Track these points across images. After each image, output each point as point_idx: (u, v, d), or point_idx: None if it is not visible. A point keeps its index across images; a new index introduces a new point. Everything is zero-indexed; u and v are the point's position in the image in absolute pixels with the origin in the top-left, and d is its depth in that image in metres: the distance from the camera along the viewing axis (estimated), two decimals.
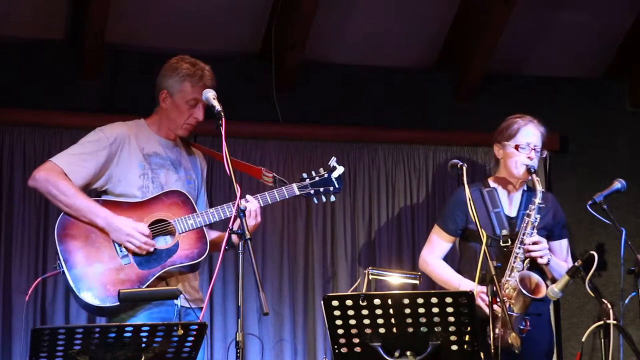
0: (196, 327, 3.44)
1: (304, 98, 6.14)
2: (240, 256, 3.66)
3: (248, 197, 4.25)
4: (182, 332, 3.41)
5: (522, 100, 6.21)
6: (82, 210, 4.10)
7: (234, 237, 4.05)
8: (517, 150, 4.72)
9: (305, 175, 4.38)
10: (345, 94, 6.22)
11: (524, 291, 4.42)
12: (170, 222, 4.17)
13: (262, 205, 4.26)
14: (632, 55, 6.48)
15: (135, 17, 5.76)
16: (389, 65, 6.30)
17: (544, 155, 4.84)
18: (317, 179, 4.36)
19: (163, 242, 4.17)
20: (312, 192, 4.35)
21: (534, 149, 4.73)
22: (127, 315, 4.07)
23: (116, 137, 4.25)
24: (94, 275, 4.05)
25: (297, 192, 4.32)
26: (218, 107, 3.99)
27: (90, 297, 4.03)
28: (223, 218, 4.20)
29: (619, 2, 6.22)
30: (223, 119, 3.93)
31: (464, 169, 4.39)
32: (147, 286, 4.06)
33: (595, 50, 6.49)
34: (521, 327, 4.47)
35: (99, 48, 5.66)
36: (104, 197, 4.25)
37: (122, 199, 4.21)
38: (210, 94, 4.07)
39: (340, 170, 4.39)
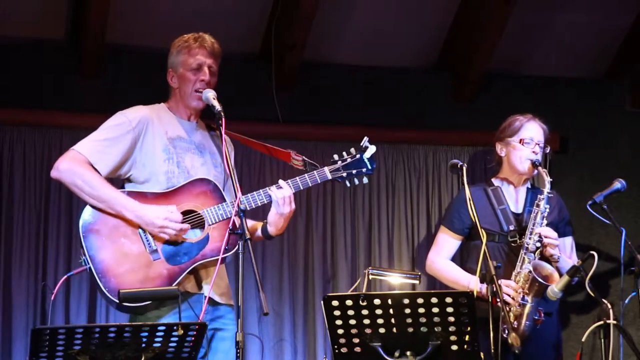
0: (196, 327, 3.44)
1: (304, 98, 6.14)
2: (240, 256, 3.63)
3: (281, 182, 4.08)
4: (182, 332, 3.41)
5: (522, 100, 6.22)
6: (110, 202, 3.93)
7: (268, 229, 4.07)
8: (522, 144, 4.73)
9: (336, 157, 4.17)
10: (345, 94, 6.22)
11: (538, 278, 4.43)
12: (200, 214, 4.01)
13: (293, 191, 4.08)
14: (632, 55, 6.48)
15: (135, 17, 5.76)
16: (389, 65, 6.30)
17: (547, 151, 4.84)
18: (348, 160, 4.16)
19: (193, 235, 4.01)
20: (344, 174, 4.15)
21: (538, 144, 4.75)
22: (153, 315, 3.92)
23: (139, 120, 4.08)
24: (123, 273, 3.88)
25: (330, 177, 4.13)
26: (218, 107, 3.97)
27: (117, 295, 3.83)
28: (254, 206, 4.04)
29: (619, 2, 6.22)
30: (223, 119, 3.92)
31: (464, 169, 4.39)
32: (178, 283, 3.91)
33: (595, 50, 6.49)
34: (535, 317, 4.49)
35: (99, 48, 5.67)
36: (127, 186, 4.08)
37: (146, 187, 4.04)
38: (210, 94, 4.04)
39: (372, 149, 4.17)
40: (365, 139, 4.19)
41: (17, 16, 5.63)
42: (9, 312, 5.50)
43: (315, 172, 4.14)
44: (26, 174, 5.60)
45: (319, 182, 4.14)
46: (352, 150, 4.19)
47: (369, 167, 4.18)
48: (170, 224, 3.93)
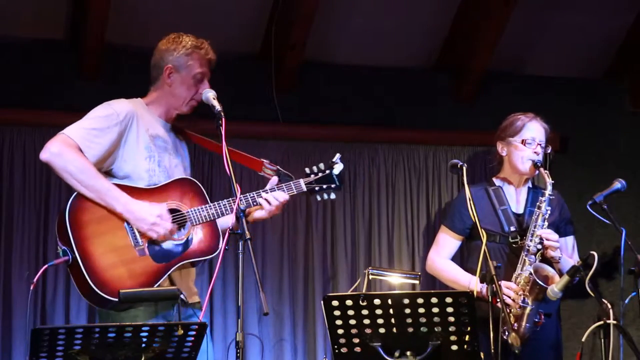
0: (196, 327, 3.44)
1: (304, 98, 6.14)
2: (240, 256, 3.62)
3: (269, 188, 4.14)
4: (182, 332, 3.41)
5: (522, 100, 6.20)
6: (101, 192, 3.86)
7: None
8: (524, 145, 4.72)
9: (308, 170, 4.21)
10: (345, 94, 6.22)
11: (538, 281, 4.43)
12: (183, 213, 3.99)
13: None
14: (632, 55, 6.48)
15: (135, 17, 5.76)
16: (389, 65, 6.30)
17: (549, 151, 4.84)
18: (319, 175, 4.19)
19: (176, 235, 3.98)
20: (316, 188, 4.19)
21: (540, 144, 4.74)
22: (128, 315, 3.88)
23: (126, 114, 4.03)
24: (108, 267, 3.83)
25: (305, 189, 4.16)
26: (218, 107, 3.95)
27: (103, 289, 3.79)
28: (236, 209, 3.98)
29: (619, 2, 6.22)
30: (223, 119, 3.90)
31: (464, 169, 4.38)
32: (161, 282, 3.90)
33: (595, 50, 6.49)
34: (535, 320, 4.49)
35: (99, 48, 5.67)
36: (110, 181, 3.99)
37: (126, 182, 3.98)
38: (210, 94, 4.03)
39: (340, 167, 4.21)
40: (337, 155, 4.24)
41: (17, 16, 5.63)
42: (9, 312, 5.50)
43: (292, 182, 4.17)
44: (26, 174, 5.60)
45: (295, 193, 4.16)
46: (322, 165, 4.22)
47: (337, 183, 4.22)
48: (162, 223, 3.90)
